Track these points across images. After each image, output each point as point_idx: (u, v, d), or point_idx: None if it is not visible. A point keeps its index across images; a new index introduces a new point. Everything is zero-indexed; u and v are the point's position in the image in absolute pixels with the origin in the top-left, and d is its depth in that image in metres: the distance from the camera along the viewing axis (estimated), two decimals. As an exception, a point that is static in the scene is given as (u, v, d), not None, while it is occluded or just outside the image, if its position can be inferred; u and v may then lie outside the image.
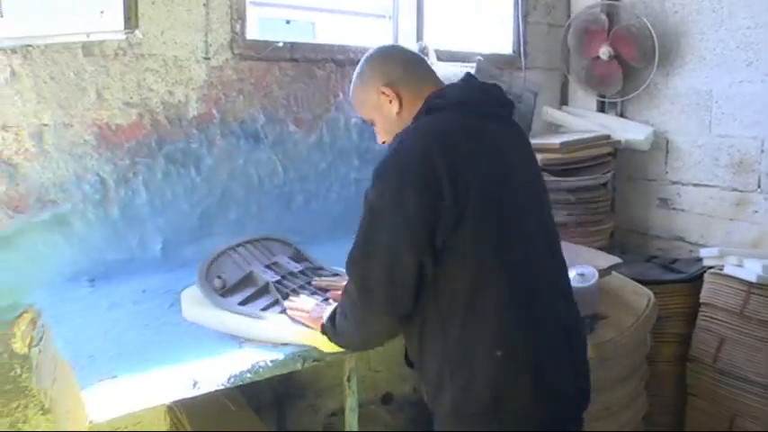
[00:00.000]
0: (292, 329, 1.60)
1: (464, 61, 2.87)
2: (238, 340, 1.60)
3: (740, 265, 2.64)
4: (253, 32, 2.37)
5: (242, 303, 1.71)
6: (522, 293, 1.38)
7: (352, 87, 1.61)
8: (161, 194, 2.19)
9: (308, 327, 1.59)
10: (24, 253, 1.95)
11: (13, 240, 1.93)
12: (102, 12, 2.01)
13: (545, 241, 1.52)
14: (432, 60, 2.68)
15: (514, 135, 1.56)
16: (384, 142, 1.59)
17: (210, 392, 1.45)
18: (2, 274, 1.92)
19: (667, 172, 3.17)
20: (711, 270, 2.73)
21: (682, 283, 2.81)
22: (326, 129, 2.57)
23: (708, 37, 2.98)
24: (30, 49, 1.91)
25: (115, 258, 2.11)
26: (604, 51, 3.07)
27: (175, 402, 1.81)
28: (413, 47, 2.74)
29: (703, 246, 2.98)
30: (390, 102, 1.52)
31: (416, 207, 1.31)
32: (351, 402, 1.80)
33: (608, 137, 3.06)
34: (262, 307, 1.69)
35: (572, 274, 2.18)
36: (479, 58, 2.86)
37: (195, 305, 1.74)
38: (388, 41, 2.80)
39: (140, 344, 1.59)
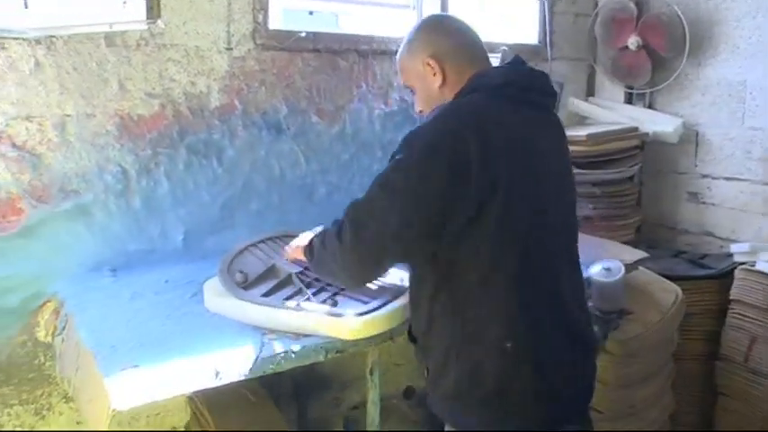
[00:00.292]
0: (315, 319, 1.61)
1: (489, 52, 2.85)
2: (260, 331, 1.61)
3: (772, 262, 2.61)
4: (276, 23, 2.38)
5: (265, 295, 1.72)
6: (535, 291, 1.39)
7: (399, 52, 1.60)
8: (182, 185, 2.22)
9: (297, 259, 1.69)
10: (47, 243, 1.99)
11: (36, 230, 1.96)
12: (124, 2, 2.04)
13: (565, 239, 1.52)
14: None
15: (551, 126, 1.56)
16: (421, 112, 1.59)
17: (232, 383, 1.47)
18: (25, 263, 1.96)
19: (697, 165, 3.14)
20: (742, 266, 2.70)
21: (711, 279, 2.78)
22: (349, 120, 2.57)
23: (743, 24, 2.92)
24: (53, 39, 1.94)
25: (137, 249, 2.15)
26: (633, 41, 3.04)
27: (196, 393, 1.84)
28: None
29: (734, 241, 2.94)
30: (434, 74, 1.51)
31: (437, 189, 1.31)
32: (373, 395, 1.82)
33: (635, 129, 3.04)
34: (285, 297, 1.71)
35: (597, 268, 2.19)
36: (504, 48, 2.85)
37: (218, 296, 1.76)
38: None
39: (162, 334, 1.61)
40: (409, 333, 1.58)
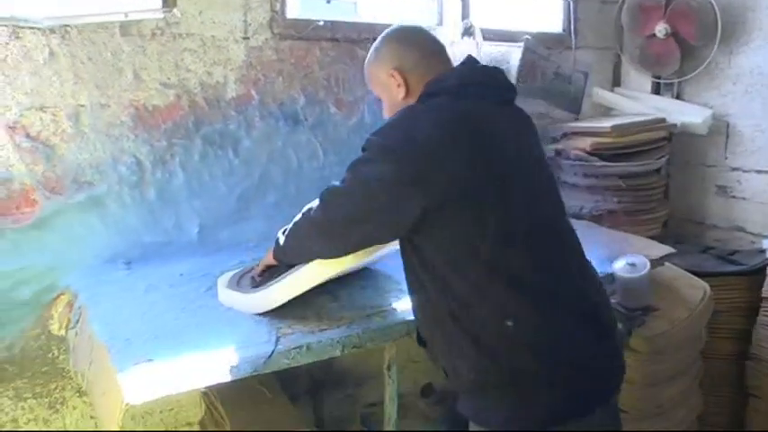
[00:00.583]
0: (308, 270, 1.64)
1: (511, 41, 2.84)
2: (276, 325, 1.61)
3: (806, 258, 2.57)
4: (293, 12, 2.38)
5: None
6: (532, 279, 1.40)
7: (366, 60, 1.67)
8: (198, 177, 2.22)
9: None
10: (61, 235, 2.00)
11: (49, 222, 1.98)
12: (139, -10, 2.05)
13: (558, 226, 1.54)
14: (478, 40, 2.65)
15: (517, 119, 1.60)
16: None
17: (246, 378, 1.47)
18: (39, 255, 1.97)
19: (727, 157, 3.09)
20: (775, 262, 2.66)
21: (741, 275, 2.74)
22: (368, 111, 2.57)
23: (779, 10, 2.86)
24: (68, 28, 1.95)
25: (151, 241, 2.15)
26: (661, 29, 2.99)
27: (210, 388, 1.85)
28: (458, 25, 2.72)
29: (766, 237, 2.89)
30: (398, 86, 1.57)
31: (389, 188, 1.39)
32: (390, 392, 1.81)
33: (663, 120, 3.00)
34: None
35: (622, 263, 2.16)
36: (527, 37, 2.82)
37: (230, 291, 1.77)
38: (433, 20, 2.79)
39: (176, 327, 1.61)
40: (418, 337, 1.60)
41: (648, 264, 2.17)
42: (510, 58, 2.81)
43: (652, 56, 3.11)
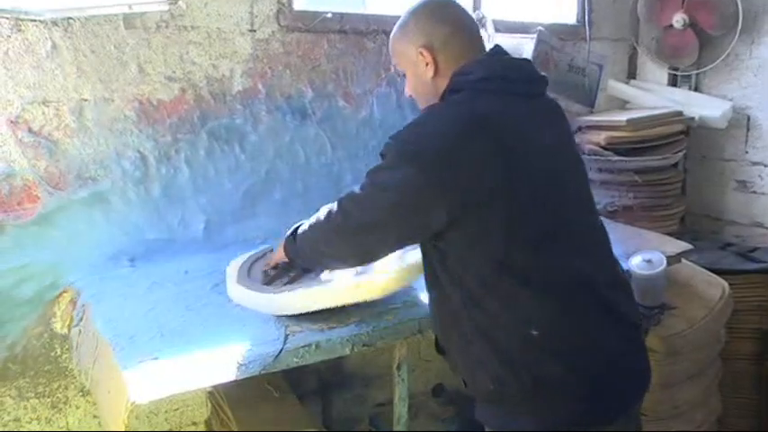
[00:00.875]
0: (344, 286, 1.64)
1: (524, 32, 2.83)
2: (284, 323, 1.62)
3: (829, 255, 2.56)
4: (301, 3, 2.38)
5: (287, 284, 1.73)
6: (559, 283, 1.38)
7: (392, 33, 1.61)
8: (204, 172, 2.22)
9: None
10: (64, 231, 2.00)
11: (52, 218, 1.98)
12: (144, -18, 2.05)
13: (585, 223, 1.52)
14: (490, 32, 2.65)
15: (547, 112, 1.56)
16: (410, 95, 1.64)
17: (254, 377, 1.47)
18: (41, 252, 1.98)
19: (747, 152, 3.08)
20: (797, 260, 2.65)
21: (761, 273, 2.72)
22: (377, 105, 2.56)
23: (804, -3, 2.84)
24: (70, 21, 1.96)
25: (156, 238, 2.16)
26: (678, 19, 2.98)
27: (216, 387, 1.85)
28: (469, 16, 2.71)
29: (787, 233, 2.89)
30: (427, 65, 1.52)
31: (413, 193, 1.36)
32: (400, 391, 1.81)
33: (680, 113, 2.98)
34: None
35: (637, 260, 2.16)
36: (540, 28, 2.82)
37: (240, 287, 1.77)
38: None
39: (182, 325, 1.62)
40: (436, 344, 1.59)
41: (665, 260, 2.16)
42: (522, 50, 2.80)
43: (669, 47, 3.10)
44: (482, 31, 2.62)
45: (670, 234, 2.66)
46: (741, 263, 2.81)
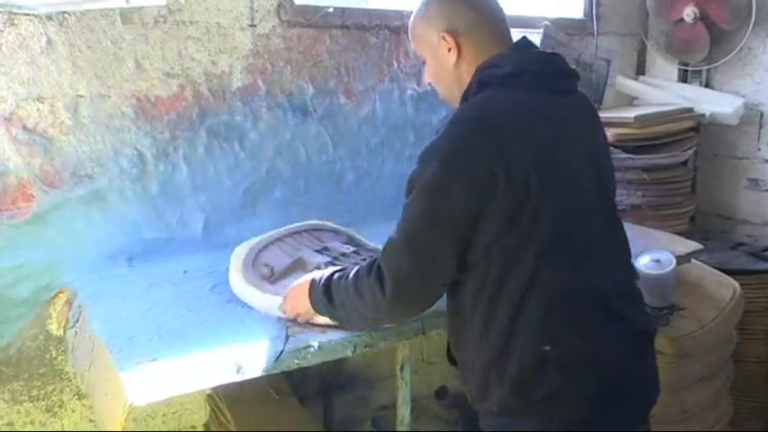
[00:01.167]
0: None
1: (530, 27, 2.83)
2: (285, 324, 1.62)
3: (843, 255, 2.55)
4: (302, -2, 2.38)
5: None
6: (577, 293, 1.37)
7: (412, 17, 1.57)
8: (203, 170, 2.22)
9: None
10: (59, 230, 2.00)
11: (47, 217, 1.98)
12: (141, -24, 2.05)
13: (606, 230, 1.49)
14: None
15: (577, 108, 1.53)
16: (430, 84, 1.60)
17: (254, 379, 1.47)
18: (36, 252, 1.98)
19: (760, 149, 3.07)
20: (810, 260, 2.65)
21: (774, 274, 2.72)
22: (380, 101, 2.56)
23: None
24: (66, 15, 1.96)
25: (154, 237, 2.16)
26: (689, 12, 2.98)
27: (216, 390, 1.85)
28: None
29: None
30: (449, 50, 1.48)
31: (461, 204, 1.32)
32: (403, 394, 1.81)
33: (690, 110, 2.98)
34: None
35: (646, 259, 2.16)
36: (546, 23, 2.82)
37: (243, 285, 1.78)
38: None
39: (181, 326, 1.62)
40: (448, 352, 1.58)
41: (674, 260, 2.16)
42: (528, 45, 2.80)
43: (679, 42, 3.10)
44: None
45: (680, 233, 2.67)
46: (753, 263, 2.81)
